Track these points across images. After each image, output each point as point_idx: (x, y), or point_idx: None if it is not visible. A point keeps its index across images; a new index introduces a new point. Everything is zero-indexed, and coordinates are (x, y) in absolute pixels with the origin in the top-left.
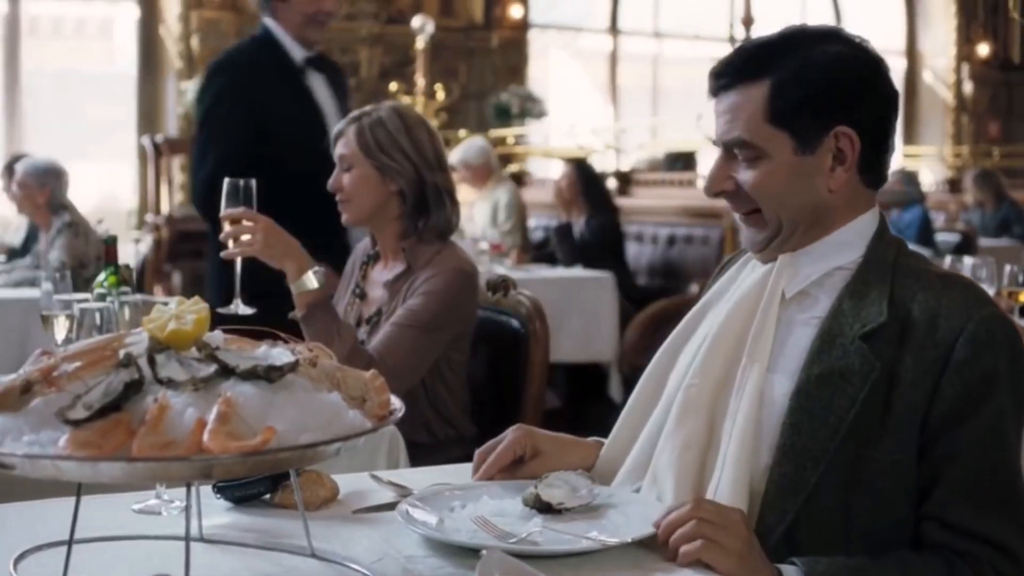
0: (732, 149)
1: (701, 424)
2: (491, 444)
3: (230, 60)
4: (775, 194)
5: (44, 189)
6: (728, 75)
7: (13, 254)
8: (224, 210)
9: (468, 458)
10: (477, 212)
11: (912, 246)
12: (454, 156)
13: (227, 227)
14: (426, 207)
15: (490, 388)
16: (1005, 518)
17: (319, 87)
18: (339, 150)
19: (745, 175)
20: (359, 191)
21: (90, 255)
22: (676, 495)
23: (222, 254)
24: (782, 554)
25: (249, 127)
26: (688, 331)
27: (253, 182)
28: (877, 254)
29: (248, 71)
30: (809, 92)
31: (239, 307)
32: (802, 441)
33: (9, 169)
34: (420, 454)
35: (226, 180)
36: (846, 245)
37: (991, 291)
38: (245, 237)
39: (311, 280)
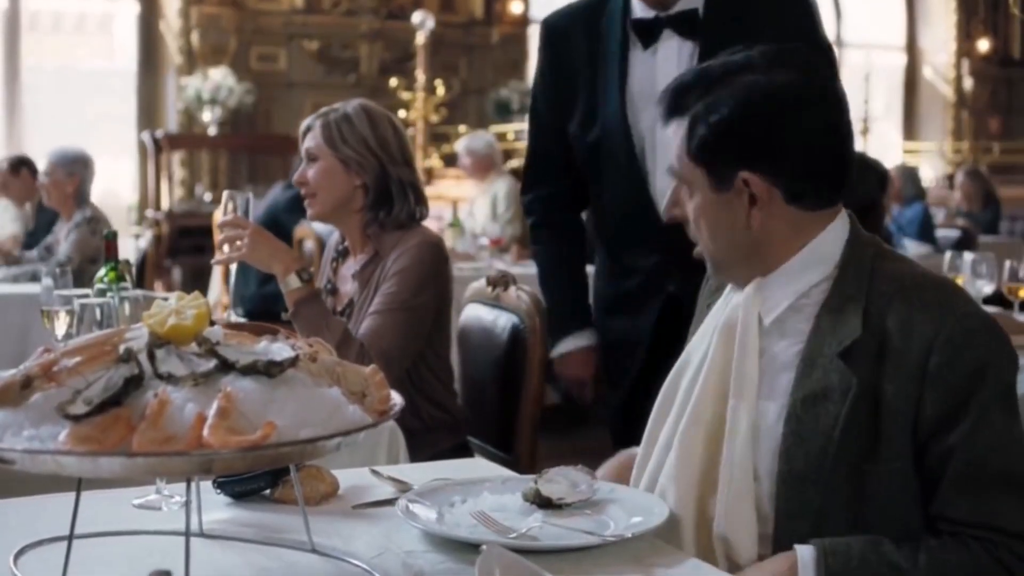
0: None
1: (697, 467)
2: None
3: (549, 17)
4: (704, 227)
5: (73, 178)
6: (664, 109)
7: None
8: (220, 220)
9: (462, 443)
10: (477, 208)
11: (912, 242)
12: (459, 145)
13: (219, 236)
14: (389, 200)
15: (489, 384)
16: (1009, 502)
17: (663, 60)
18: (305, 144)
19: (689, 203)
20: (324, 184)
21: (103, 250)
22: (685, 537)
23: (213, 260)
24: None
25: (543, 112)
26: (686, 358)
27: (250, 195)
28: (852, 262)
29: (558, 35)
30: (716, 132)
31: (231, 315)
32: (796, 466)
33: (14, 168)
34: (412, 439)
35: (224, 192)
36: (815, 263)
37: (990, 287)
38: (238, 243)
39: (295, 279)
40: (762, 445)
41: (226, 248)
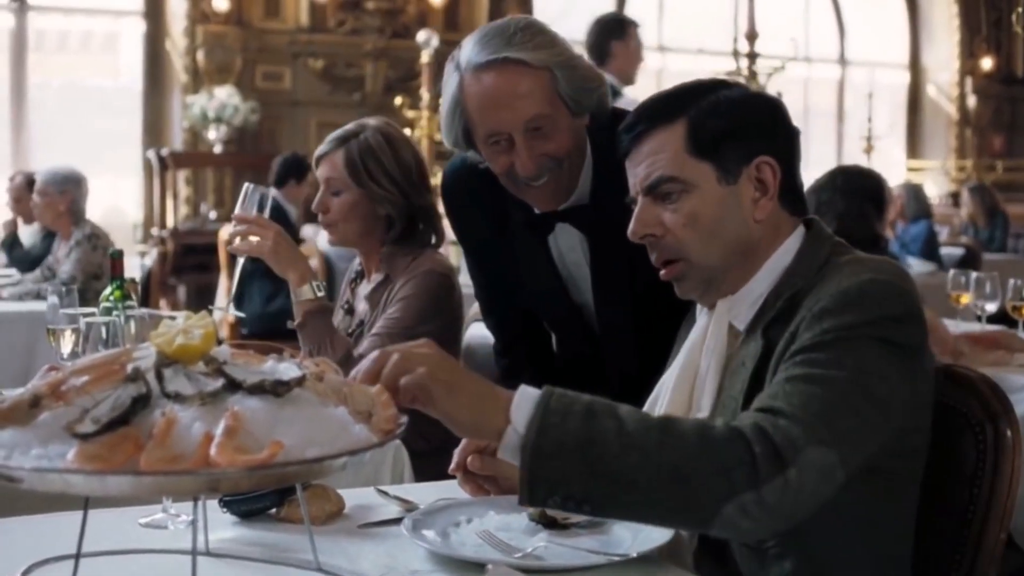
0: (657, 189)
1: None
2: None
3: (450, 187)
4: (705, 228)
5: (65, 196)
6: (643, 122)
7: (21, 262)
8: (238, 211)
9: None
10: None
11: (916, 260)
12: None
13: (236, 227)
14: (413, 229)
15: None
16: (802, 411)
17: (563, 239)
18: (325, 173)
19: (674, 215)
20: (348, 216)
21: (106, 267)
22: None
23: (229, 247)
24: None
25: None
26: (658, 390)
27: (271, 191)
28: (804, 259)
29: (460, 206)
30: (727, 123)
31: (230, 308)
32: None
33: (31, 183)
34: (419, 460)
35: (245, 184)
36: (777, 272)
37: (994, 305)
38: (253, 239)
39: (310, 291)
40: None
41: (238, 241)
